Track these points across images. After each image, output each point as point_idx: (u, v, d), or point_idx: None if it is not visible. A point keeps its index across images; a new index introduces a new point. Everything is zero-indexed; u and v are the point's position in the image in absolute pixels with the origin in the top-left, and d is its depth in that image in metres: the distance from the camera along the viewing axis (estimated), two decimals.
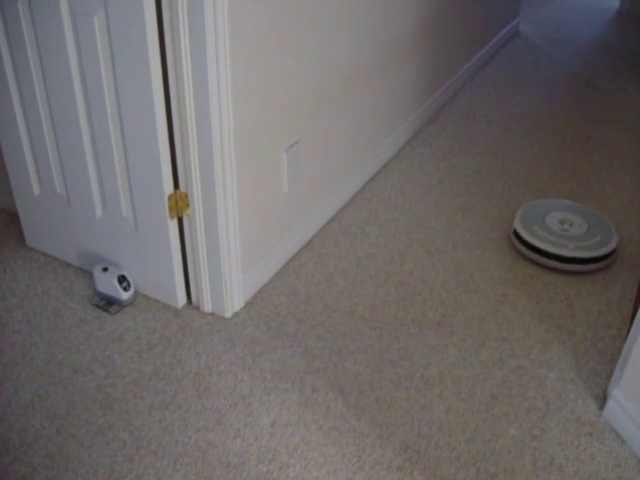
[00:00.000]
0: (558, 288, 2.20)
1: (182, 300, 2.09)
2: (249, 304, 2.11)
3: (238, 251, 1.99)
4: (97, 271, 2.06)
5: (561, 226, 2.34)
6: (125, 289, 2.05)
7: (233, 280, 2.01)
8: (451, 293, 2.17)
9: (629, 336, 1.69)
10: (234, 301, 2.05)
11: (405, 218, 2.56)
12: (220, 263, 1.96)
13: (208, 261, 1.98)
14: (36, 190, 2.18)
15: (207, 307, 2.06)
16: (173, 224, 1.94)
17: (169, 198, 1.89)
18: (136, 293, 2.13)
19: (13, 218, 2.49)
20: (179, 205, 1.91)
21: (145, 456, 1.62)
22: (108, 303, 2.08)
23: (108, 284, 2.05)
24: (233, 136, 1.82)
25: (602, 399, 1.80)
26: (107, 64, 1.75)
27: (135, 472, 1.59)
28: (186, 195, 1.90)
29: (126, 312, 2.06)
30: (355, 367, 1.88)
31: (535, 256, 2.28)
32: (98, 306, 2.08)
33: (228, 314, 2.05)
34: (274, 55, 1.92)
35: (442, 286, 2.21)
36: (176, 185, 1.91)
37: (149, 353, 1.92)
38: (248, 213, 2.01)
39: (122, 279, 2.04)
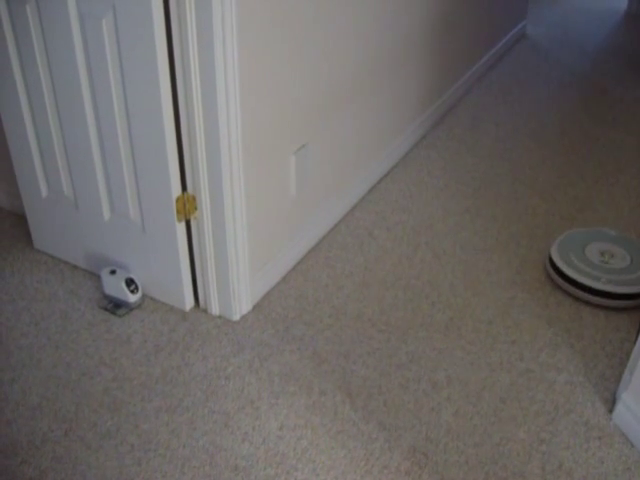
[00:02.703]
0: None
1: (190, 303, 2.09)
2: (257, 307, 2.11)
3: (246, 254, 1.99)
4: (105, 274, 2.06)
5: (601, 258, 2.20)
6: (133, 292, 2.05)
7: (241, 283, 2.00)
8: (459, 296, 2.17)
9: (638, 339, 1.68)
10: (242, 304, 2.05)
11: (413, 221, 2.56)
12: (228, 266, 1.96)
13: (216, 264, 1.98)
14: (44, 192, 2.19)
15: (215, 310, 2.06)
16: (181, 227, 1.94)
17: (177, 201, 1.89)
18: (144, 296, 2.13)
19: (21, 220, 2.49)
20: (187, 208, 1.91)
21: (153, 459, 1.62)
22: (116, 306, 2.08)
23: (116, 287, 2.05)
24: (241, 138, 1.82)
25: (611, 403, 1.79)
26: (115, 67, 1.76)
27: (143, 475, 1.58)
28: (194, 198, 1.90)
29: (134, 315, 2.06)
30: (363, 370, 1.88)
31: (570, 288, 2.16)
32: (106, 309, 2.08)
33: (236, 317, 2.05)
34: (282, 59, 1.91)
35: (450, 289, 2.20)
36: (184, 187, 1.91)
37: (157, 356, 1.92)
38: (256, 216, 2.01)
39: (130, 282, 2.04)
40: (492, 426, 1.72)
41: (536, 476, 1.59)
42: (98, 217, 2.09)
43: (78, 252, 2.23)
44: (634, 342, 1.98)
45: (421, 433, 1.70)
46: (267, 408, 1.76)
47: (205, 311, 2.08)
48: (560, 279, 2.18)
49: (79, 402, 1.78)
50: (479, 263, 2.32)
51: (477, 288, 2.21)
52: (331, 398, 1.79)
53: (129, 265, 2.12)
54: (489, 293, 2.18)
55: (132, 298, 2.05)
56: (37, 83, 1.94)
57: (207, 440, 1.67)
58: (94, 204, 2.07)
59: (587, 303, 2.13)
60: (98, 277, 2.21)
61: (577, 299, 2.15)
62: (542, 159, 3.02)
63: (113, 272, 2.06)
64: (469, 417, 1.74)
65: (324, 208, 2.42)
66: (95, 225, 2.11)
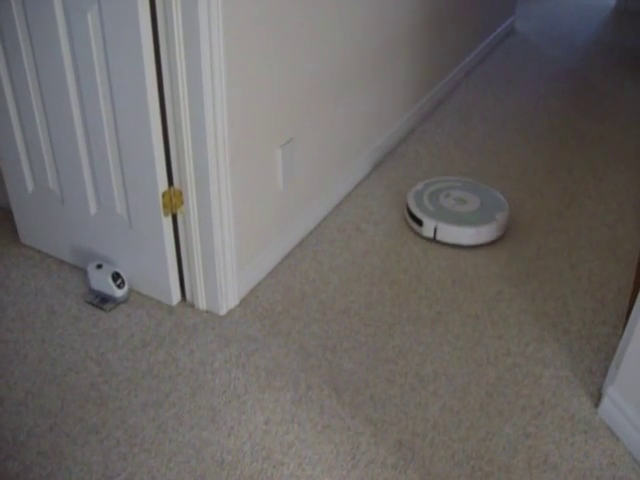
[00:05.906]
0: (553, 285, 2.20)
1: (176, 297, 2.08)
2: (244, 301, 2.10)
3: (233, 248, 1.98)
4: (91, 268, 2.05)
5: (454, 202, 2.46)
6: (119, 286, 2.04)
7: (227, 277, 2.00)
8: (446, 291, 2.17)
9: (624, 334, 1.69)
10: (228, 298, 2.04)
11: (400, 215, 2.56)
12: (214, 260, 1.95)
13: (202, 258, 1.97)
14: (30, 187, 2.17)
15: (201, 304, 2.06)
16: (167, 221, 1.93)
17: (163, 195, 1.88)
18: (130, 290, 2.12)
19: (7, 215, 2.48)
20: (173, 202, 1.91)
21: (139, 454, 1.62)
22: (102, 300, 2.07)
23: (102, 281, 2.04)
24: (227, 132, 1.81)
25: (597, 397, 1.80)
26: (101, 60, 1.74)
27: (129, 470, 1.58)
28: (180, 192, 1.89)
29: (120, 309, 2.06)
30: (350, 365, 1.88)
31: (417, 227, 2.43)
32: (92, 303, 2.07)
33: (222, 312, 2.05)
34: (269, 52, 1.91)
35: (437, 283, 2.20)
36: (170, 182, 1.90)
37: (143, 350, 1.91)
38: (242, 210, 2.00)
39: (116, 276, 2.04)
40: (478, 420, 1.72)
41: (522, 470, 1.60)
42: (84, 212, 2.08)
43: (64, 247, 2.21)
44: (620, 337, 1.99)
45: (407, 427, 1.70)
46: (253, 402, 1.76)
47: (192, 305, 2.08)
48: (411, 221, 2.45)
49: (65, 397, 1.77)
50: (466, 257, 2.33)
51: (464, 283, 2.21)
52: (317, 392, 1.79)
53: (115, 260, 2.11)
54: (476, 288, 2.19)
55: (118, 293, 2.04)
56: (22, 77, 1.93)
57: (193, 435, 1.67)
58: (80, 199, 2.06)
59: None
60: (84, 272, 2.20)
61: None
62: (530, 154, 3.03)
63: (99, 266, 2.05)
64: (455, 411, 1.75)
65: (311, 202, 2.42)
66: (81, 220, 2.10)
